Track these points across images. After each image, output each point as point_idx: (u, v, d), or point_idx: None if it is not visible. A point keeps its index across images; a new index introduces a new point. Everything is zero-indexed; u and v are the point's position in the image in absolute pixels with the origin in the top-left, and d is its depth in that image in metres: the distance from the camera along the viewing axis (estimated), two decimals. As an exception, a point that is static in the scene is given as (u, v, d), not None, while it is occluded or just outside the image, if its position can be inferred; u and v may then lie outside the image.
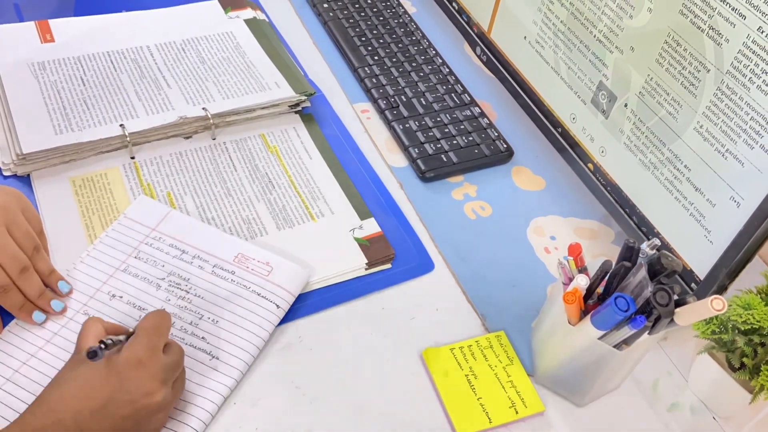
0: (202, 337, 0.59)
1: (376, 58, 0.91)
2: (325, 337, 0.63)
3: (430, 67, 0.91)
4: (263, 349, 0.61)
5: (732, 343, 0.59)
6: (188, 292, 0.62)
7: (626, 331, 0.52)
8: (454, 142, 0.81)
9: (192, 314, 0.61)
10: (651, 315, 0.51)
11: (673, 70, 0.61)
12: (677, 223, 0.63)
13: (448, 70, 0.91)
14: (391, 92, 0.86)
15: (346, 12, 0.98)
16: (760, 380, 0.56)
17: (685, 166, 0.62)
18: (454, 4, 0.95)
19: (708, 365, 0.61)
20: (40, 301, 0.59)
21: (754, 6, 0.52)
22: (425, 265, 0.70)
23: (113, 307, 0.61)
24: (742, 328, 0.57)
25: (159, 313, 0.54)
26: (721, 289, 0.59)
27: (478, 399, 0.60)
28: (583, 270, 0.57)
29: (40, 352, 0.57)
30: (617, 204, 0.71)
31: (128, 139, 0.73)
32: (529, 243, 0.74)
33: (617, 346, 0.54)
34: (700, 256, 0.61)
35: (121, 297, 0.61)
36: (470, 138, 0.82)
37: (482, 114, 0.85)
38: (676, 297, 0.52)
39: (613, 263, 0.55)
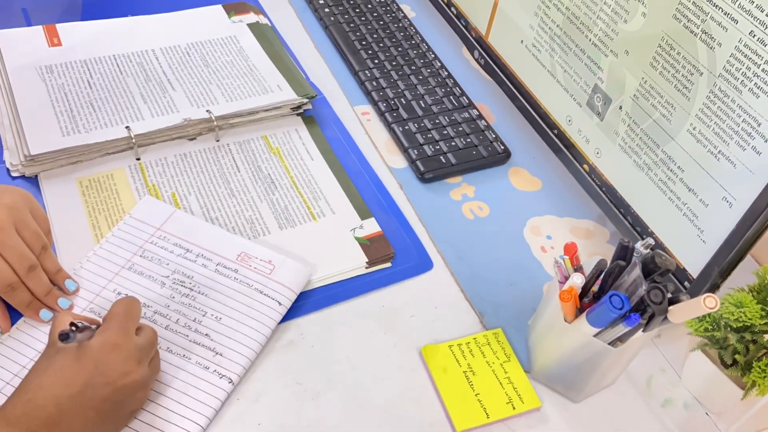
0: (206, 334, 0.60)
1: (376, 61, 0.92)
2: (326, 334, 0.64)
3: (429, 70, 0.92)
4: (265, 346, 0.61)
5: (724, 340, 0.59)
6: (192, 290, 0.63)
7: (621, 329, 0.53)
8: (453, 143, 0.82)
9: (196, 311, 0.62)
10: (645, 313, 0.52)
11: (667, 74, 0.61)
12: (671, 222, 0.64)
13: (446, 73, 0.92)
14: (391, 95, 0.87)
15: (347, 16, 0.98)
16: (752, 376, 0.57)
17: (679, 167, 0.62)
18: (452, 9, 0.96)
19: (701, 362, 0.62)
20: (48, 299, 0.60)
21: (746, 11, 0.53)
22: (424, 264, 0.71)
23: (119, 304, 0.62)
24: (734, 326, 0.58)
25: (129, 298, 0.55)
26: (714, 288, 0.60)
27: (476, 395, 0.60)
28: (578, 269, 0.57)
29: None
30: (612, 204, 0.72)
31: (134, 140, 0.74)
32: (526, 242, 0.75)
33: (612, 344, 0.54)
34: (693, 255, 0.62)
35: (126, 295, 0.62)
36: (468, 140, 0.83)
37: (480, 116, 0.86)
38: (669, 295, 0.52)
39: (608, 262, 0.56)
